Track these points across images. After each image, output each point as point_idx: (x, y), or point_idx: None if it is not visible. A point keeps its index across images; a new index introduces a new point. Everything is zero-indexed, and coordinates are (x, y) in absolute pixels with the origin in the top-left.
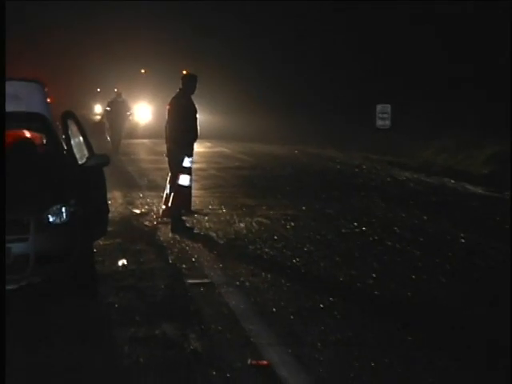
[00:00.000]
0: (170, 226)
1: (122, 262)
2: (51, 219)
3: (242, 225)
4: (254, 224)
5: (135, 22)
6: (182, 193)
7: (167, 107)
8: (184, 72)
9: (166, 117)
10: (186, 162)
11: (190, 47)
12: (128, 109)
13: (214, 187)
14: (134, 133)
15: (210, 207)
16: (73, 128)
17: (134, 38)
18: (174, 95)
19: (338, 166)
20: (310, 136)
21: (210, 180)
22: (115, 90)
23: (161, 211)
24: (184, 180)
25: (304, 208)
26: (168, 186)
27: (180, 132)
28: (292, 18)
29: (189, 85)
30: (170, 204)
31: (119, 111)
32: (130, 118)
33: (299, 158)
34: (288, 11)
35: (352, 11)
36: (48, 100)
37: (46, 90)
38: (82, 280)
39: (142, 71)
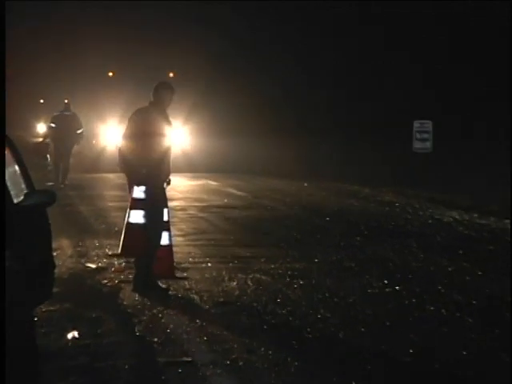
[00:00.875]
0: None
1: (72, 334)
2: None
3: (234, 283)
4: (249, 282)
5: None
6: (133, 232)
7: (128, 123)
8: (171, 74)
9: (124, 136)
10: (137, 192)
11: (177, 41)
12: (78, 125)
13: (196, 233)
14: (97, 164)
15: (191, 260)
16: (6, 155)
17: (96, 27)
18: (139, 107)
19: (363, 204)
20: (328, 164)
21: (189, 223)
22: (65, 101)
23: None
24: (134, 216)
25: (317, 260)
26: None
27: (142, 160)
28: (311, 25)
29: (164, 97)
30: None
31: (67, 128)
32: (82, 137)
33: (311, 194)
34: (308, 19)
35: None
36: None
37: None
38: (18, 358)
39: (110, 74)
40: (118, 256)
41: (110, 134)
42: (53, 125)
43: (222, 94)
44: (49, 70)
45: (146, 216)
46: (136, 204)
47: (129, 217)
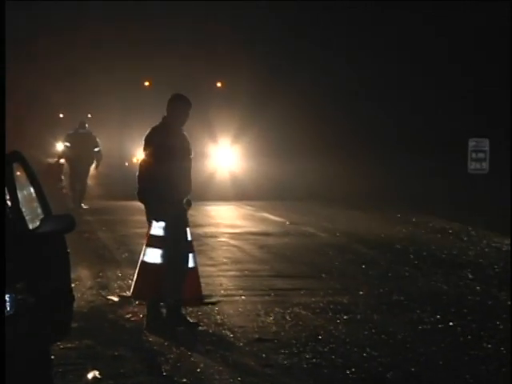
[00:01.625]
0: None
1: (92, 374)
2: None
3: (271, 318)
4: (287, 317)
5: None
6: (149, 273)
7: (143, 146)
8: (218, 84)
9: (141, 160)
10: (155, 229)
11: (226, 50)
12: (95, 143)
13: (228, 263)
14: (128, 189)
15: (223, 292)
16: (20, 176)
17: (129, 32)
18: (153, 126)
19: (412, 231)
20: (376, 187)
21: (221, 251)
22: (88, 115)
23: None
24: (151, 255)
25: (362, 293)
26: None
27: (163, 185)
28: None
29: (178, 112)
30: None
31: (83, 147)
32: (100, 156)
33: (355, 220)
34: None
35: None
36: None
37: None
38: None
39: (146, 84)
40: (127, 298)
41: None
42: (67, 144)
43: (275, 109)
44: (70, 80)
45: (165, 252)
46: (153, 241)
47: (144, 255)
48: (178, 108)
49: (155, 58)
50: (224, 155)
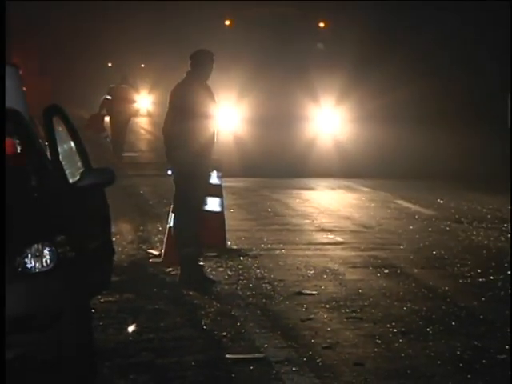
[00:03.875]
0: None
1: (132, 327)
2: (29, 265)
3: (311, 272)
4: (327, 271)
5: None
6: (211, 221)
7: (169, 99)
8: (321, 24)
9: (166, 114)
10: (214, 178)
11: None
12: (133, 98)
13: (268, 216)
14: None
15: (263, 246)
16: (61, 130)
17: None
18: (179, 82)
19: (454, 185)
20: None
21: (260, 205)
22: (142, 65)
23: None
24: (213, 204)
25: (402, 247)
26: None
27: (193, 135)
28: None
29: (203, 66)
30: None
31: (123, 101)
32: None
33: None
34: None
35: None
36: (23, 89)
37: (20, 73)
38: (73, 354)
39: (226, 23)
40: (158, 264)
41: (224, 115)
42: (108, 97)
43: (391, 62)
44: (122, 25)
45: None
46: (214, 190)
47: (205, 203)
48: (205, 63)
49: None
50: (326, 118)
